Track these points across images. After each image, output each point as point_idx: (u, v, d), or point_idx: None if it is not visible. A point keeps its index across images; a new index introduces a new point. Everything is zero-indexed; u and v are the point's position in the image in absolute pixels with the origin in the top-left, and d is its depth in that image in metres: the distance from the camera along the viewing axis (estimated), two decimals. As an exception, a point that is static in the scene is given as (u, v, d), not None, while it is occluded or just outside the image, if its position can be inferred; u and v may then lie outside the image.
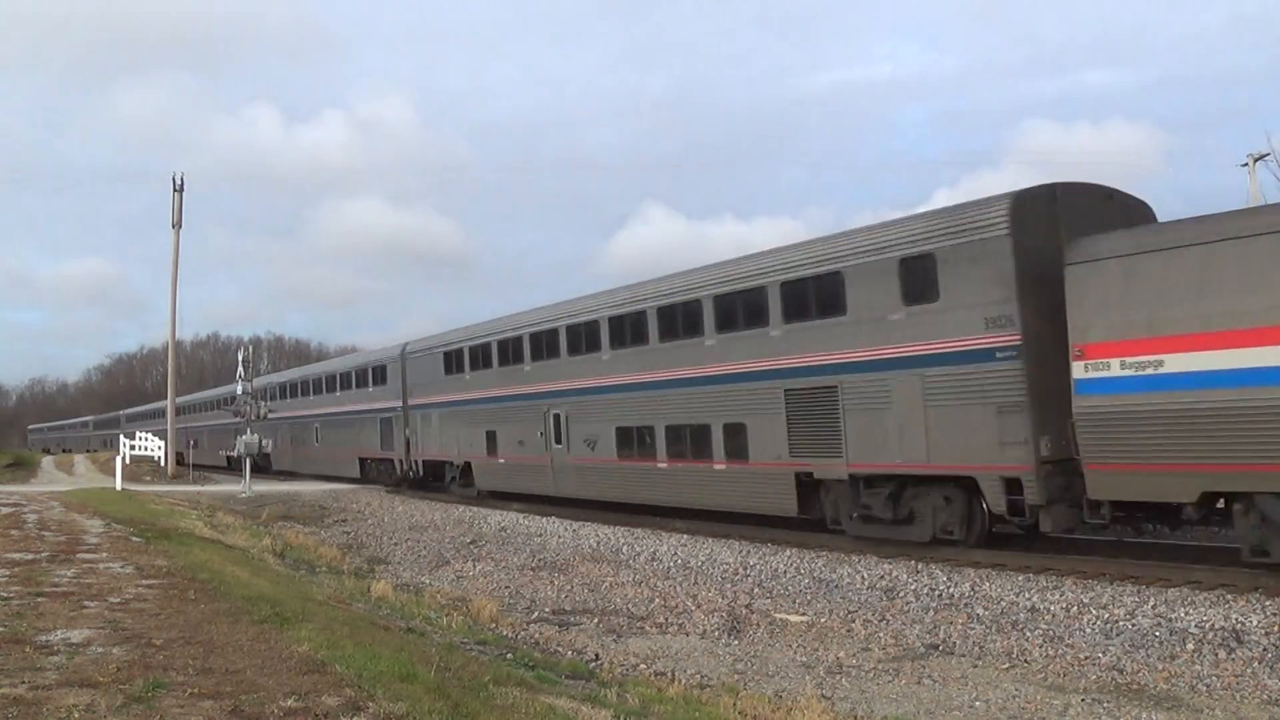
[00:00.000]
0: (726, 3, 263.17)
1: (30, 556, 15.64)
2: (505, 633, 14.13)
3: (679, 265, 26.21)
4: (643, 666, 12.50)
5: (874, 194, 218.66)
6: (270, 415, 47.94)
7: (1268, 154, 39.70)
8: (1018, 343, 16.34)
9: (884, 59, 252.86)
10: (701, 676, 11.94)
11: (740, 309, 22.44)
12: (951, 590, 16.12)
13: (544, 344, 30.69)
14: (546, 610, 16.58)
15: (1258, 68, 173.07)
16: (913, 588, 16.57)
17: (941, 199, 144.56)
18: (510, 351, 32.87)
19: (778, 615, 15.47)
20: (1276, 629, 12.34)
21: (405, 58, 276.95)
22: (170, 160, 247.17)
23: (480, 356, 35.13)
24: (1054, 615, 14.19)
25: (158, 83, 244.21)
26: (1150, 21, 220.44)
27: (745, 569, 19.24)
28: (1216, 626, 12.70)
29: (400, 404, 41.47)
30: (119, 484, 41.19)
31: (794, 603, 16.41)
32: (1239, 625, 12.63)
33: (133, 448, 61.90)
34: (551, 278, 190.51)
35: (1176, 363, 14.36)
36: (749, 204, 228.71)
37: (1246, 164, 40.44)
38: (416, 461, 40.48)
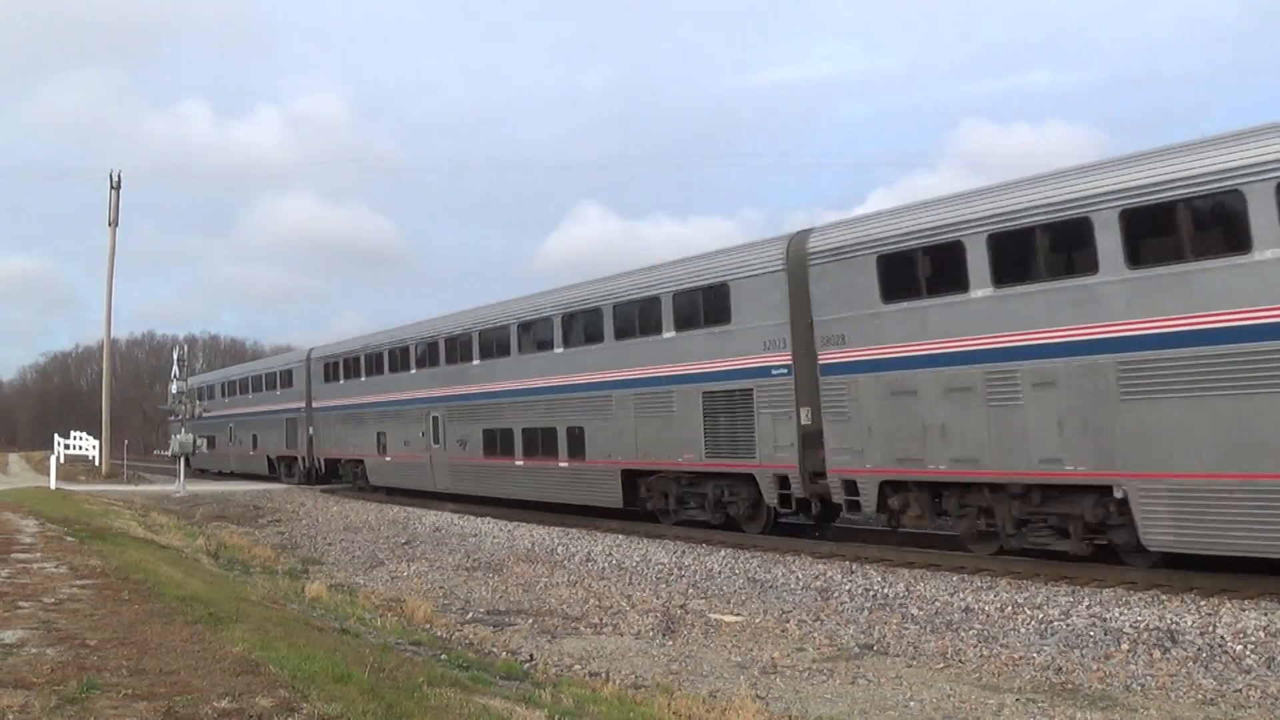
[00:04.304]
0: (667, 0, 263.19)
1: (-40, 557, 15.43)
2: (440, 633, 14.11)
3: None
4: (577, 667, 12.52)
5: (810, 194, 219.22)
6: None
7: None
8: None
9: (825, 58, 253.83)
10: (636, 677, 11.94)
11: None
12: (886, 590, 16.30)
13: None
14: (481, 611, 16.61)
15: (1203, 69, 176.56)
16: (847, 588, 16.73)
17: (877, 200, 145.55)
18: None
19: (712, 615, 15.55)
20: (1210, 629, 12.53)
21: (338, 52, 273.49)
22: (102, 156, 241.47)
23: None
24: (988, 615, 14.36)
25: (90, 78, 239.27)
26: (1096, 22, 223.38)
27: (680, 569, 19.39)
28: (1151, 626, 12.88)
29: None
30: (53, 483, 40.71)
31: (729, 603, 16.55)
32: (1173, 625, 12.81)
33: (67, 446, 61.19)
34: (485, 276, 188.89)
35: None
36: (685, 203, 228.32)
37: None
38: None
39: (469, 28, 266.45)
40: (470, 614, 16.27)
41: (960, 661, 12.47)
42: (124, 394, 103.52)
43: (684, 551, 21.08)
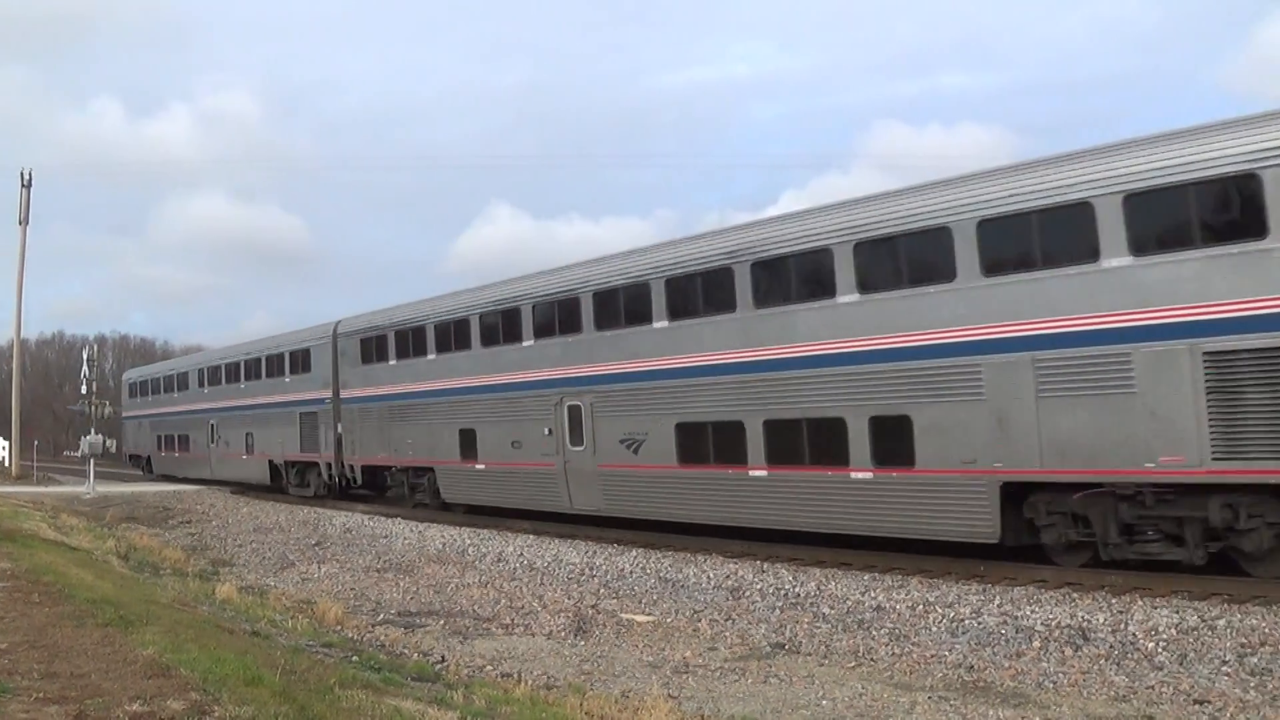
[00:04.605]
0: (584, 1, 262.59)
1: None
2: (351, 635, 14.13)
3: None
4: (489, 668, 12.57)
5: (724, 195, 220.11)
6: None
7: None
8: None
9: (740, 59, 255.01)
10: (548, 677, 11.99)
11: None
12: (797, 589, 16.46)
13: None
14: (392, 612, 16.62)
15: (1122, 74, 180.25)
16: (758, 587, 16.89)
17: (789, 201, 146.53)
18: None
19: (624, 615, 15.67)
20: (1122, 626, 12.71)
21: (252, 49, 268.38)
22: (14, 153, 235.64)
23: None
24: (900, 614, 14.51)
25: (3, 74, 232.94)
26: (1012, 25, 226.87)
27: (591, 569, 19.56)
28: (1063, 624, 13.06)
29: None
30: (-39, 485, 40.01)
31: (640, 603, 16.68)
32: (1085, 623, 12.99)
33: None
34: (397, 277, 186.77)
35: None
36: (598, 204, 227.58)
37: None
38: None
39: (387, 26, 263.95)
40: (381, 615, 16.28)
41: (872, 660, 12.57)
42: (34, 394, 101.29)
43: (595, 552, 21.27)
